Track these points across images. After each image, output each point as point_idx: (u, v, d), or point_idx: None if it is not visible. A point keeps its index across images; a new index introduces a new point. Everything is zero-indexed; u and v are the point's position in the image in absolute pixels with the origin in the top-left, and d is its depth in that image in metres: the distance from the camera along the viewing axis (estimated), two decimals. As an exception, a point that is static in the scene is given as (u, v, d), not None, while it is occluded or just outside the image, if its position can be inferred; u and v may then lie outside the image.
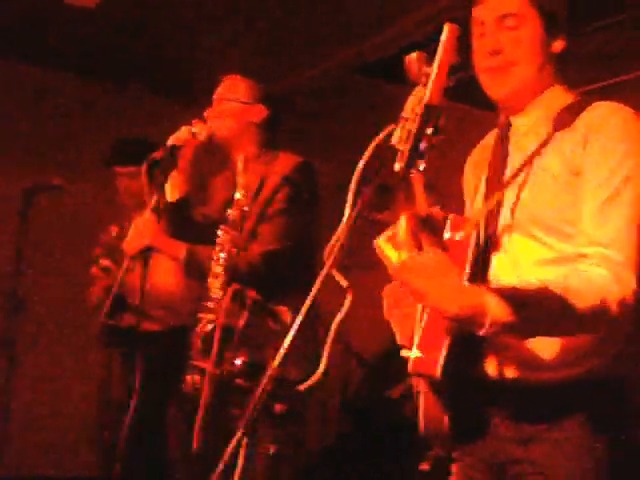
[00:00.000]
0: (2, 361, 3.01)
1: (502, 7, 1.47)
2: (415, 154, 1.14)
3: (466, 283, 1.35)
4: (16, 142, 3.88)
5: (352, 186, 1.42)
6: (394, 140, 1.23)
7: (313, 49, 3.97)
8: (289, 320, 2.04)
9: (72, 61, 4.12)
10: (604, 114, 1.40)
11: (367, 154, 1.41)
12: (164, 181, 2.42)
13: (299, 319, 1.34)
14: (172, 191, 2.48)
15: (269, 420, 1.30)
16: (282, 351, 1.31)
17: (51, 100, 4.08)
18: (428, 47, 1.42)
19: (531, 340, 1.38)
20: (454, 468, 1.52)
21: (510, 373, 1.40)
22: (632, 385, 1.39)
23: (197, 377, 2.09)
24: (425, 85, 1.18)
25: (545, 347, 1.38)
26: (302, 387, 1.39)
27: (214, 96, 2.52)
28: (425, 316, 1.37)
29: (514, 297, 1.24)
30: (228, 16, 3.69)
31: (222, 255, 2.18)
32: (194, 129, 2.43)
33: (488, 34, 1.48)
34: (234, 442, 1.26)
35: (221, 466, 1.27)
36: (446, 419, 1.41)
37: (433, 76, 1.16)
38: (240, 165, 2.21)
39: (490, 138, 1.64)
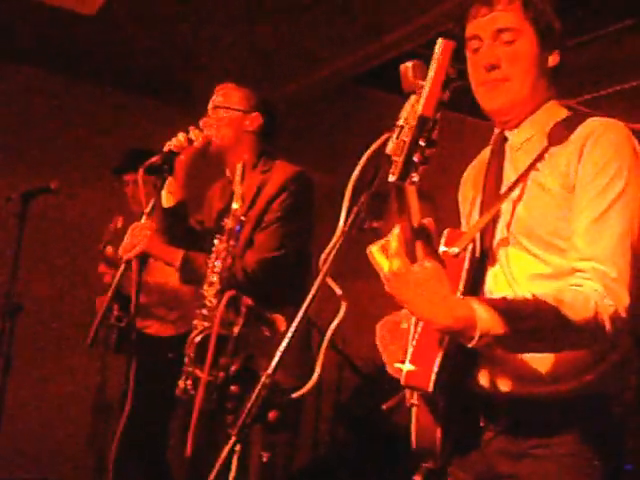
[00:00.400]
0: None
1: (498, 21, 1.47)
2: (409, 166, 1.14)
3: (459, 295, 1.35)
4: (15, 146, 3.88)
5: (347, 194, 1.43)
6: (389, 149, 1.24)
7: (308, 58, 3.98)
8: (283, 328, 2.05)
9: (74, 66, 4.13)
10: (599, 131, 1.40)
11: (362, 163, 1.42)
12: (161, 187, 2.42)
13: (293, 327, 1.34)
14: (168, 197, 2.48)
15: (262, 427, 1.30)
16: (276, 358, 1.31)
17: (51, 104, 4.08)
18: (424, 56, 1.43)
19: (525, 354, 1.38)
20: None
21: (503, 387, 1.41)
22: (623, 400, 1.39)
23: (189, 382, 2.09)
24: (419, 95, 1.19)
25: (539, 362, 1.38)
26: (296, 395, 1.40)
27: (209, 105, 2.52)
28: (418, 330, 1.37)
29: (505, 310, 1.24)
30: (226, 26, 3.71)
31: (217, 263, 2.19)
32: (190, 135, 2.43)
33: (484, 48, 1.48)
34: (227, 448, 1.26)
35: (214, 472, 1.27)
36: (438, 433, 1.41)
37: (427, 88, 1.16)
38: (238, 174, 2.22)
39: (485, 154, 1.65)
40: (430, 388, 1.30)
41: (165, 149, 2.42)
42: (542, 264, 1.41)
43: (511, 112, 1.52)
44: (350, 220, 1.40)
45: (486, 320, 1.22)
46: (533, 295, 1.28)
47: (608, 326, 1.28)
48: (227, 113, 2.48)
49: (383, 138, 1.33)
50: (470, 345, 1.23)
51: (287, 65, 4.08)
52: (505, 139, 1.55)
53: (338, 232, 1.38)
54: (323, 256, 1.38)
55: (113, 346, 3.26)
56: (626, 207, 1.35)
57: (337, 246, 1.39)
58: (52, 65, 4.11)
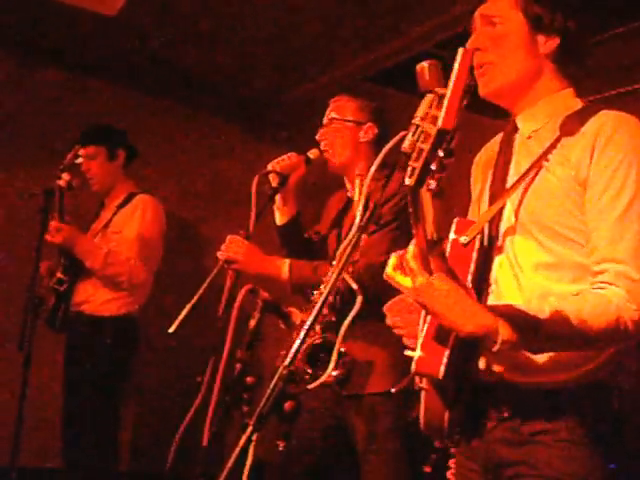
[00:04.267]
0: (19, 358, 3.05)
1: (487, 9, 1.53)
2: (426, 173, 1.15)
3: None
4: (40, 141, 3.92)
5: (364, 191, 1.46)
6: (405, 146, 1.27)
7: (325, 57, 4.01)
8: (299, 321, 2.09)
9: (94, 67, 4.17)
10: (611, 125, 1.40)
11: (378, 160, 1.45)
12: (268, 202, 2.46)
13: (310, 320, 1.38)
14: (280, 215, 2.53)
15: (279, 416, 1.34)
16: (293, 350, 1.35)
17: (77, 102, 4.13)
18: (440, 56, 1.46)
19: None
20: (453, 464, 1.56)
21: (507, 376, 1.42)
22: (623, 387, 1.41)
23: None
24: (436, 96, 1.20)
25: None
26: (312, 386, 1.44)
27: (325, 117, 2.57)
28: (428, 318, 1.40)
29: (527, 318, 1.27)
30: (245, 26, 3.74)
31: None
32: (311, 155, 2.51)
33: (472, 35, 1.53)
34: (244, 438, 1.30)
35: (231, 461, 1.30)
36: (446, 416, 1.43)
37: (447, 100, 1.16)
38: (357, 194, 2.23)
39: (498, 139, 1.66)
40: (441, 375, 1.32)
41: (277, 168, 2.46)
42: (546, 253, 1.42)
43: (506, 96, 1.54)
44: (366, 216, 1.44)
45: (508, 329, 1.26)
46: (556, 300, 1.30)
47: (631, 331, 1.30)
48: (341, 125, 2.51)
49: (399, 136, 1.36)
50: (493, 350, 1.27)
51: (304, 64, 4.11)
52: (516, 128, 1.56)
53: (355, 227, 1.42)
54: (340, 251, 1.42)
55: (47, 317, 3.18)
56: None
57: (353, 241, 1.42)
58: (74, 66, 4.16)
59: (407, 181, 1.17)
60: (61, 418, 3.19)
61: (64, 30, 3.83)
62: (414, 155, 1.18)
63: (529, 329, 1.27)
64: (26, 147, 3.95)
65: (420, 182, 1.16)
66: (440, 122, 1.15)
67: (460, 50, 1.22)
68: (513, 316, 1.28)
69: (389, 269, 1.36)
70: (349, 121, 2.51)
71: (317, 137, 2.54)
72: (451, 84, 1.18)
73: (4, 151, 3.95)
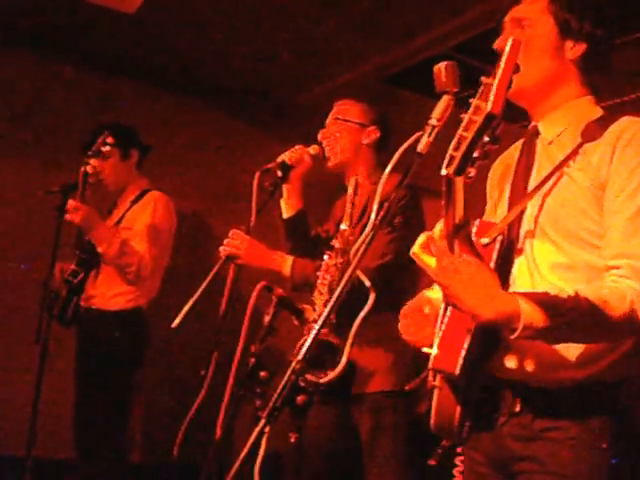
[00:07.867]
0: (35, 350, 3.10)
1: (518, 12, 1.55)
2: (467, 161, 1.16)
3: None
4: (58, 140, 3.96)
5: (379, 190, 1.48)
6: (420, 147, 1.28)
7: (341, 58, 4.03)
8: (312, 318, 2.11)
9: (113, 64, 4.22)
10: (632, 130, 1.43)
11: (394, 161, 1.47)
12: (272, 194, 2.48)
13: (323, 317, 1.40)
14: (287, 208, 2.56)
15: (291, 410, 1.36)
16: (306, 346, 1.36)
17: (96, 100, 4.17)
18: (455, 58, 1.48)
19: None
20: (459, 461, 1.57)
21: (522, 372, 1.44)
22: (631, 387, 1.43)
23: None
24: (481, 95, 1.19)
25: (558, 348, 1.41)
26: (323, 381, 1.46)
27: (329, 117, 2.59)
28: (447, 315, 1.42)
29: (547, 305, 1.28)
30: (259, 27, 3.76)
31: (327, 276, 2.23)
32: (311, 151, 2.52)
33: (500, 36, 1.55)
34: (257, 430, 1.32)
35: (244, 453, 1.33)
36: (457, 413, 1.44)
37: (495, 86, 1.17)
38: (350, 192, 2.26)
39: (516, 147, 1.68)
40: (457, 372, 1.34)
41: (280, 159, 2.50)
42: (562, 254, 1.44)
43: (527, 98, 1.56)
44: (381, 215, 1.46)
45: (529, 313, 1.26)
46: (575, 292, 1.32)
47: None
48: (346, 125, 2.53)
49: (414, 137, 1.38)
50: (512, 337, 1.28)
51: (322, 64, 4.13)
52: (537, 133, 1.59)
53: (370, 226, 1.44)
54: (354, 249, 1.43)
55: (57, 313, 3.21)
56: None
57: (368, 239, 1.44)
58: (90, 63, 4.20)
59: (444, 171, 1.18)
60: (73, 410, 3.24)
61: (83, 27, 3.87)
62: (453, 144, 1.18)
63: (551, 313, 1.27)
64: (44, 146, 3.99)
65: (460, 170, 1.17)
66: (489, 107, 1.15)
67: (510, 40, 1.22)
68: (537, 296, 1.29)
69: (416, 247, 1.37)
70: (352, 122, 2.53)
71: (319, 137, 2.56)
72: (500, 70, 1.19)
73: (22, 150, 4.00)
